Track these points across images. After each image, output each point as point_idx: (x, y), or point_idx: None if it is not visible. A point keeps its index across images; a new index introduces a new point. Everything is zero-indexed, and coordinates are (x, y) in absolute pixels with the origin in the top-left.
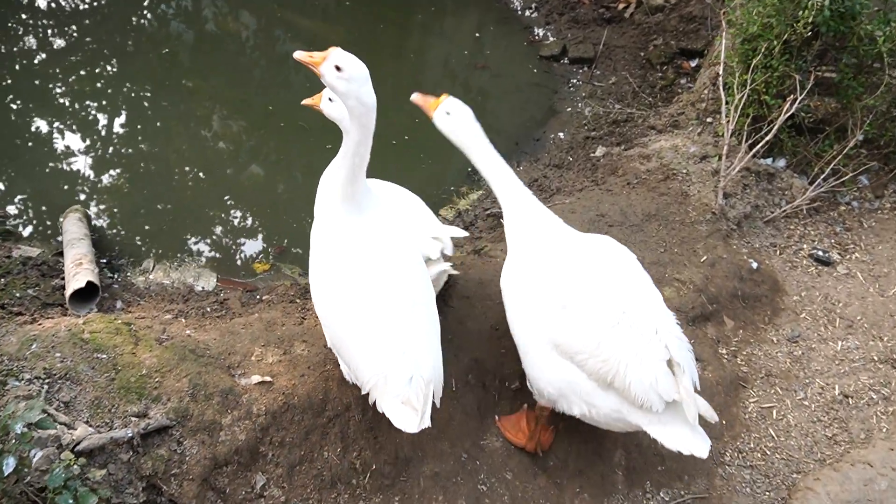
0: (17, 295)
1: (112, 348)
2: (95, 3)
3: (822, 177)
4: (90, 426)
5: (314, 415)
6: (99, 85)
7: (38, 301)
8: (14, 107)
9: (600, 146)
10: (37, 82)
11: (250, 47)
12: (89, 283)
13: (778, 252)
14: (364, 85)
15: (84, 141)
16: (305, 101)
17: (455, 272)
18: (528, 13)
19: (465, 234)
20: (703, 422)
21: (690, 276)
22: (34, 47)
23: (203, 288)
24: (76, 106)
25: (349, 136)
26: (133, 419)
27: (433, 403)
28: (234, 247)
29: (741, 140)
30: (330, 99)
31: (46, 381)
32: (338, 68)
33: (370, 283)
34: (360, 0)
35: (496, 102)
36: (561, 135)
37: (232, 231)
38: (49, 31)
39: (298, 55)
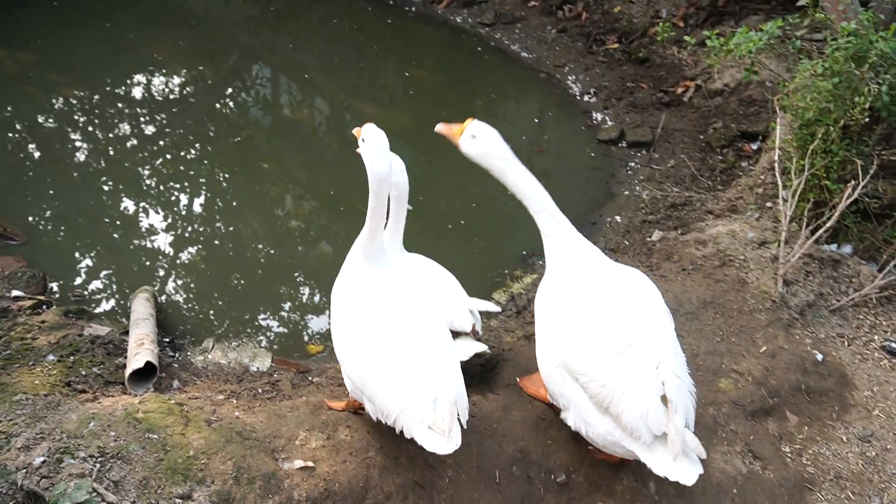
0: (83, 373)
1: (163, 428)
2: (184, 92)
3: (892, 264)
4: None
5: (354, 503)
6: (181, 168)
7: (102, 379)
8: (105, 188)
9: (657, 230)
10: (126, 165)
11: (322, 132)
12: (148, 364)
13: (846, 343)
14: (377, 155)
15: (162, 222)
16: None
17: (487, 351)
18: (586, 98)
19: (497, 308)
20: None
21: (749, 368)
22: (127, 133)
23: (258, 368)
24: (159, 188)
25: (370, 201)
26: (177, 501)
27: (460, 424)
28: (290, 327)
29: (802, 226)
30: None
31: (100, 459)
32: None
33: (387, 322)
34: (424, 89)
35: (555, 185)
36: (618, 218)
37: (290, 311)
38: (141, 119)
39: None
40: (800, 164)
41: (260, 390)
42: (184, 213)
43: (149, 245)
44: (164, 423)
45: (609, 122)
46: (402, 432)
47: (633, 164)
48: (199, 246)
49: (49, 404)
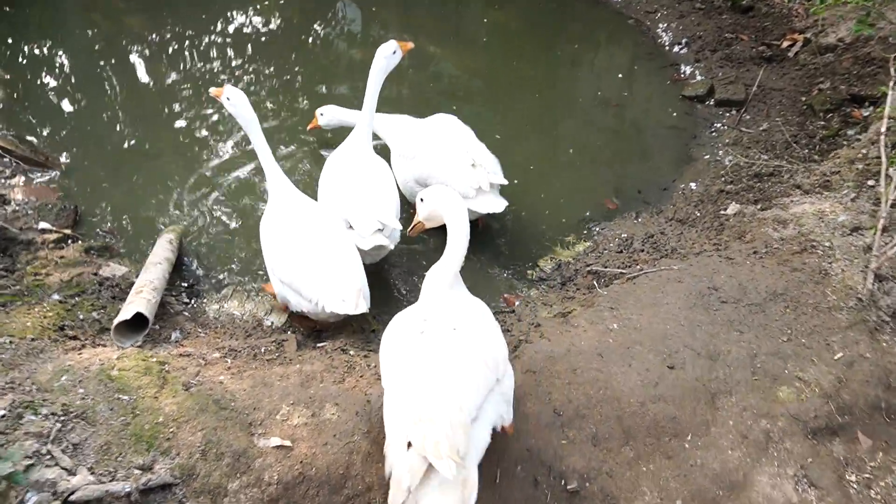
0: (81, 317)
1: (136, 389)
2: (241, 33)
3: None
4: (92, 474)
5: (331, 491)
6: (225, 115)
7: (98, 325)
8: (149, 130)
9: (734, 202)
10: (174, 108)
11: (390, 75)
12: (140, 314)
13: None
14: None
15: (200, 168)
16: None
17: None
18: (676, 49)
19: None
20: None
21: (817, 377)
22: (176, 78)
23: (273, 323)
24: (202, 134)
25: None
26: (136, 471)
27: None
28: None
29: None
30: None
31: (62, 418)
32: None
33: (305, 235)
34: (502, 34)
35: (629, 145)
36: (693, 185)
37: None
38: (190, 61)
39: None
40: None
41: (262, 349)
42: (224, 160)
43: (184, 189)
44: (138, 384)
45: (698, 77)
46: (322, 309)
47: (719, 125)
48: (234, 195)
49: (31, 350)
